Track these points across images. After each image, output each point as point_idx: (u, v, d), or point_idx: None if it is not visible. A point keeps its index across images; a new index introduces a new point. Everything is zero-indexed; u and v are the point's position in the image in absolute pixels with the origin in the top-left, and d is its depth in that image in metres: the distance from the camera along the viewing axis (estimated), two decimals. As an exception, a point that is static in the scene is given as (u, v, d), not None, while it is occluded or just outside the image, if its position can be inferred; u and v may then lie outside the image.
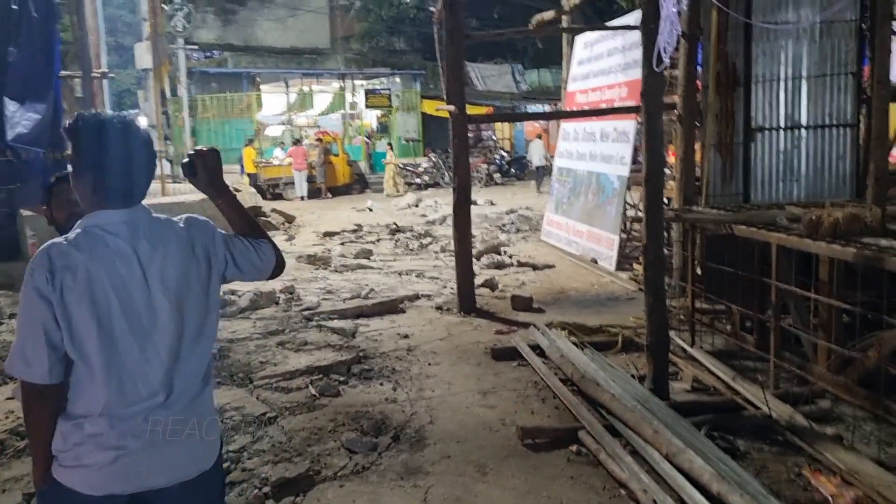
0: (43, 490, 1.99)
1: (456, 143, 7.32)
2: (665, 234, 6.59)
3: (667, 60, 4.62)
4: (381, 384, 5.39)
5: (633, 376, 5.14)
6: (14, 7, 10.09)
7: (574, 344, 5.87)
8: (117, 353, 1.93)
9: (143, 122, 17.65)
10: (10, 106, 9.89)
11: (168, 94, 24.41)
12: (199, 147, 2.18)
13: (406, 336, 6.62)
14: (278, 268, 2.23)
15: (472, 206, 16.56)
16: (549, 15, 8.90)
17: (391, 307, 7.57)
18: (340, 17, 34.55)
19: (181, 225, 2.08)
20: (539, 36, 18.07)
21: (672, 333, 5.58)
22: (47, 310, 1.87)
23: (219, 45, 32.35)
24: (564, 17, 11.59)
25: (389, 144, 23.58)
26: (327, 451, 4.25)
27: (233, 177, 22.66)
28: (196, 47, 26.22)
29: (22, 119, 9.95)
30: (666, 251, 5.84)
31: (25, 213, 9.30)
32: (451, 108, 7.17)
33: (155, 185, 12.43)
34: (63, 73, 10.88)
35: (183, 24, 22.95)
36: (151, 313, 1.97)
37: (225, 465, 4.05)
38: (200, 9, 31.72)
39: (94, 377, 1.93)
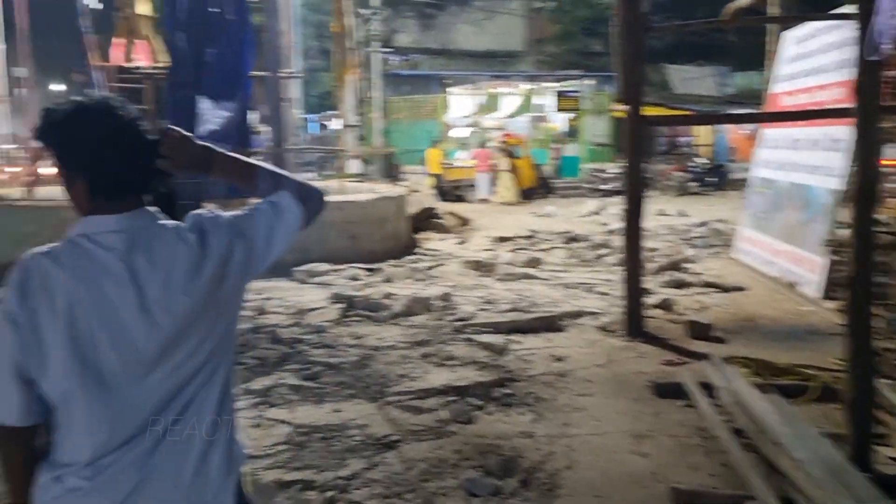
0: None
1: (630, 148, 6.57)
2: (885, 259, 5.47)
3: (887, 47, 3.66)
4: (522, 414, 4.83)
5: (826, 436, 4.18)
6: (213, 10, 10.62)
7: (756, 385, 4.95)
8: (106, 394, 1.55)
9: (338, 123, 18.28)
10: (204, 104, 10.41)
11: (362, 96, 25.31)
12: (168, 127, 1.72)
13: (560, 359, 5.99)
14: (311, 206, 1.79)
15: (661, 217, 15.52)
16: (745, 1, 7.82)
17: (550, 324, 6.96)
18: (535, 19, 34.21)
19: (188, 231, 1.64)
20: (731, 27, 16.34)
21: (882, 384, 4.52)
22: (17, 338, 1.51)
23: (416, 49, 33.22)
24: (770, 7, 10.30)
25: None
26: (443, 490, 3.76)
27: (417, 177, 23.01)
28: (392, 51, 26.96)
29: (214, 116, 10.45)
30: (883, 280, 4.80)
31: (208, 206, 9.69)
32: (625, 107, 6.44)
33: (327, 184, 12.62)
34: (253, 72, 11.32)
35: (379, 29, 23.60)
36: (150, 345, 1.57)
37: (329, 493, 3.70)
38: (401, 14, 32.68)
39: (75, 422, 1.56)
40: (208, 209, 1.72)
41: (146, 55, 11.74)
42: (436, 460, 4.10)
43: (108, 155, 1.58)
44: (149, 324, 1.57)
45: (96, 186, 1.59)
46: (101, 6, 11.45)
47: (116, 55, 12.28)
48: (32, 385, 1.54)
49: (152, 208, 1.65)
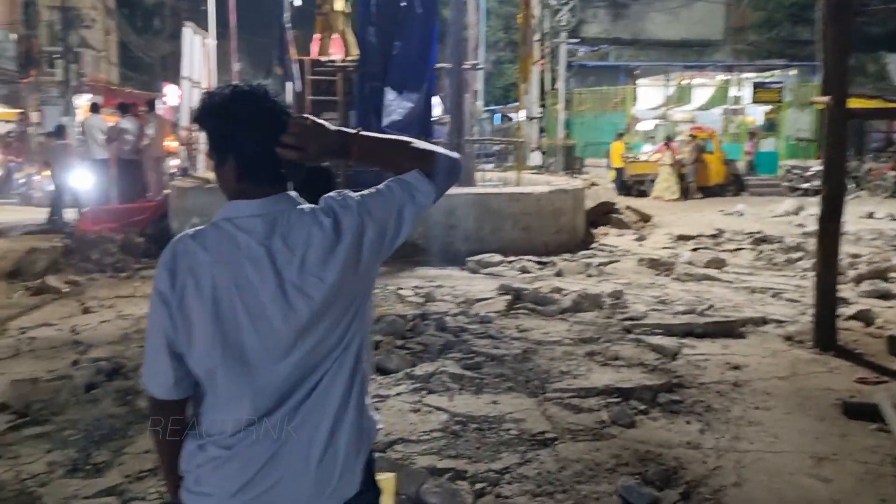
0: None
1: (830, 143, 5.98)
2: None
3: None
4: (688, 422, 4.55)
5: None
6: (402, 4, 10.95)
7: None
8: (247, 372, 1.61)
9: (521, 114, 18.26)
10: (389, 95, 10.78)
11: (546, 88, 25.12)
12: (301, 116, 1.71)
13: (737, 367, 5.59)
14: (444, 179, 1.74)
15: (867, 220, 14.10)
16: None
17: (728, 329, 6.52)
18: (736, 6, 32.25)
19: (323, 215, 1.66)
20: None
21: None
22: (168, 316, 1.60)
23: (605, 40, 32.47)
24: None
25: (667, 141, 20.71)
26: (596, 495, 3.62)
27: (598, 171, 22.51)
28: (579, 41, 26.50)
29: (398, 107, 10.80)
30: None
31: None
32: (826, 99, 5.86)
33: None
34: (439, 65, 11.56)
35: (567, 19, 23.27)
36: (287, 326, 1.61)
37: (479, 485, 3.68)
38: (591, 4, 32.05)
39: (220, 397, 1.64)
40: (339, 191, 1.72)
41: (339, 49, 12.34)
42: (591, 462, 3.96)
43: (253, 139, 1.63)
44: (286, 305, 1.61)
45: (242, 170, 1.65)
46: (300, 3, 12.16)
47: (314, 49, 13.01)
48: (181, 361, 1.63)
49: (292, 193, 1.69)
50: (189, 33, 13.21)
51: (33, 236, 12.25)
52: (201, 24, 15.12)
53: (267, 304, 1.60)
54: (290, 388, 1.64)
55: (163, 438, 1.72)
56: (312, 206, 1.69)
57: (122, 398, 4.74)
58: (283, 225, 1.63)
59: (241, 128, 1.63)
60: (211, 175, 12.15)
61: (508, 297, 7.45)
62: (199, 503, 1.66)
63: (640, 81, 27.16)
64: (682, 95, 26.37)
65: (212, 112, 1.66)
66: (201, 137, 13.05)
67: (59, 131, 14.48)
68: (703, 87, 26.60)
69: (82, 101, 30.70)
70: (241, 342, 1.60)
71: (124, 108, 13.72)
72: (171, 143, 14.20)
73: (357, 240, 1.65)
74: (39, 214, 13.98)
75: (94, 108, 14.35)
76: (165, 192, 12.51)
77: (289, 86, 11.69)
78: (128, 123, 13.17)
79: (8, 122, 27.05)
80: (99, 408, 4.61)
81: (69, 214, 13.09)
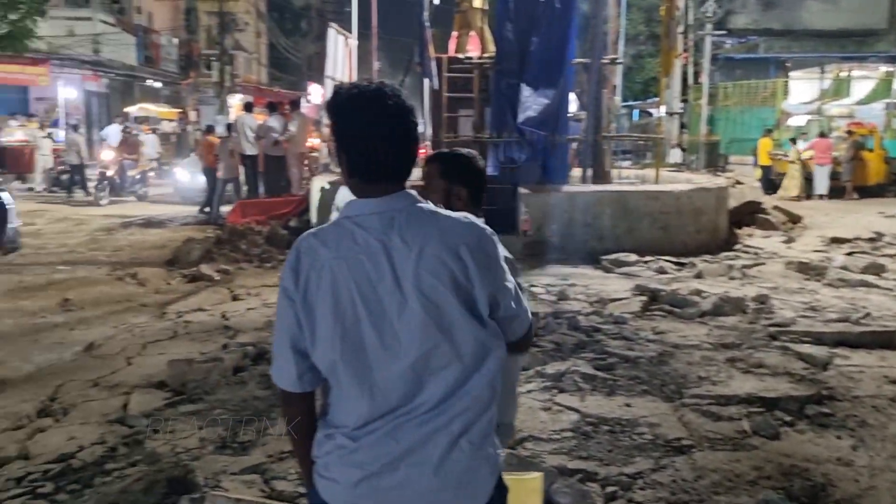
0: (309, 493, 1.83)
1: None
2: None
3: None
4: (839, 437, 4.25)
5: None
6: (542, 0, 10.87)
7: None
8: (366, 364, 1.65)
9: (661, 110, 17.74)
10: (525, 91, 10.73)
11: (689, 82, 24.22)
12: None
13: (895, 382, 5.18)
14: (519, 344, 1.86)
15: None
16: None
17: (888, 340, 6.03)
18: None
19: (447, 220, 1.69)
20: None
21: None
22: (292, 312, 1.67)
23: (754, 31, 30.89)
24: None
25: (793, 140, 19.06)
26: (735, 508, 3.46)
27: (743, 168, 21.44)
28: (725, 33, 25.35)
29: (533, 104, 10.73)
30: None
31: (523, 190, 10.00)
32: None
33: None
34: (576, 60, 11.39)
35: (713, 10, 22.31)
36: (404, 321, 1.64)
37: (610, 489, 3.60)
38: (741, -6, 30.61)
39: (343, 391, 1.69)
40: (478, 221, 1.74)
41: (476, 46, 12.42)
42: (730, 473, 3.78)
43: (369, 138, 1.67)
44: (402, 301, 1.63)
45: (354, 166, 1.70)
46: (439, 1, 12.33)
47: (451, 47, 13.18)
48: (305, 356, 1.69)
49: (412, 191, 1.72)
50: (333, 34, 13.71)
51: (189, 227, 13.16)
52: (344, 24, 15.68)
53: (384, 299, 1.63)
54: (412, 387, 1.66)
55: (293, 427, 1.79)
56: (434, 207, 1.71)
57: (266, 382, 4.99)
58: (402, 221, 1.66)
59: (359, 125, 1.67)
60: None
61: (644, 297, 7.25)
62: (327, 488, 1.72)
63: (791, 74, 25.59)
64: (840, 89, 24.62)
65: (335, 108, 1.71)
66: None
67: (210, 130, 15.52)
68: (864, 80, 24.73)
69: (235, 101, 32.64)
70: (360, 337, 1.64)
71: (272, 107, 14.44)
72: (313, 140, 14.80)
73: (473, 260, 1.67)
74: (186, 209, 14.93)
75: (248, 108, 15.20)
76: (307, 186, 13.07)
77: (426, 83, 11.90)
78: (274, 122, 13.85)
79: (170, 120, 29.16)
80: (245, 390, 4.89)
81: (223, 207, 13.95)
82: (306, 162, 14.17)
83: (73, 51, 24.02)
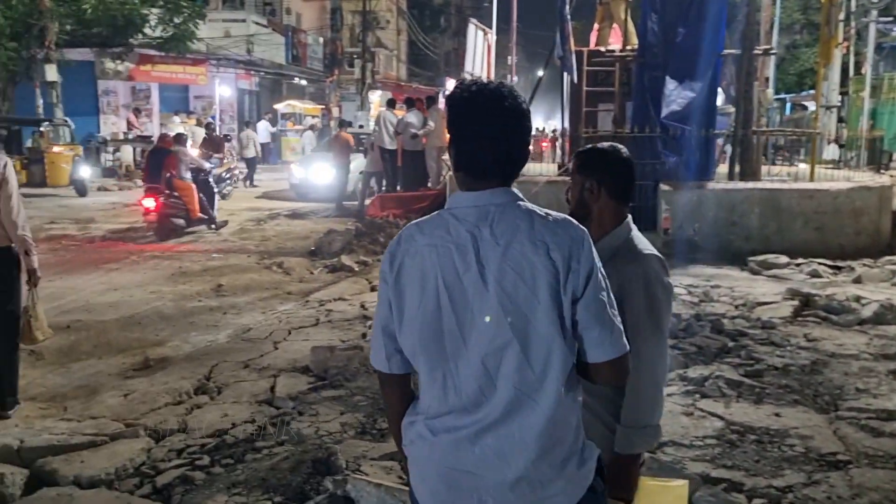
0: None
1: None
2: None
3: None
4: None
5: None
6: (688, -11, 10.45)
7: None
8: (442, 352, 1.65)
9: (817, 103, 16.61)
10: (670, 84, 10.37)
11: (849, 72, 22.59)
12: None
13: None
14: (601, 372, 1.67)
15: None
16: None
17: None
18: None
19: (542, 219, 1.64)
20: None
21: None
22: (385, 293, 1.71)
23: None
24: None
25: None
26: (898, 533, 3.19)
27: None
28: (892, 19, 23.40)
29: (678, 97, 10.35)
30: None
31: (664, 187, 9.67)
32: None
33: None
34: (725, 51, 10.88)
35: (881, -6, 20.66)
36: (482, 313, 1.62)
37: (758, 501, 3.42)
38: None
39: (423, 378, 1.70)
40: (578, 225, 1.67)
41: (618, 39, 12.12)
42: (892, 493, 3.50)
43: (475, 135, 1.67)
44: (483, 293, 1.61)
45: (461, 160, 1.70)
46: (580, -6, 12.15)
47: (592, 40, 12.93)
48: (393, 338, 1.72)
49: (515, 189, 1.69)
50: (473, 29, 13.81)
51: (330, 220, 13.68)
52: (483, 20, 15.76)
53: (468, 289, 1.62)
54: (483, 384, 1.63)
55: (389, 407, 1.84)
56: (531, 207, 1.67)
57: (403, 371, 5.10)
58: (495, 216, 1.64)
59: (472, 122, 1.67)
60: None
61: (796, 302, 6.84)
62: (412, 475, 1.77)
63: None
64: None
65: (452, 102, 1.71)
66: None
67: (344, 126, 16.11)
68: None
69: (375, 97, 33.62)
70: (440, 325, 1.64)
71: (410, 103, 14.74)
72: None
73: (564, 263, 1.61)
74: (311, 205, 15.48)
75: (390, 104, 15.62)
76: (444, 180, 13.25)
77: (565, 77, 11.74)
78: (412, 117, 14.13)
79: (313, 116, 30.43)
80: (383, 378, 5.01)
81: (353, 201, 14.45)
82: (444, 156, 14.36)
83: (228, 51, 25.53)
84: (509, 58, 30.14)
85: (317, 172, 16.32)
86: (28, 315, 4.72)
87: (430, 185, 13.98)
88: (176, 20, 18.82)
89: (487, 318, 1.61)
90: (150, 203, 11.32)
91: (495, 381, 1.63)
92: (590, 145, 2.40)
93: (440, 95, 22.40)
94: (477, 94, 1.68)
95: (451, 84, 38.47)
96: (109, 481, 3.65)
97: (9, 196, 4.46)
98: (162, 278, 8.85)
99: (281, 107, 30.60)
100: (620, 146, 2.33)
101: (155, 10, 18.56)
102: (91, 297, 7.81)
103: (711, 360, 5.34)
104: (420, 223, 1.71)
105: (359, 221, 12.38)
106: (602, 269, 1.66)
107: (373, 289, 8.21)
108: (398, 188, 14.34)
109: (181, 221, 11.75)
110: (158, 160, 11.96)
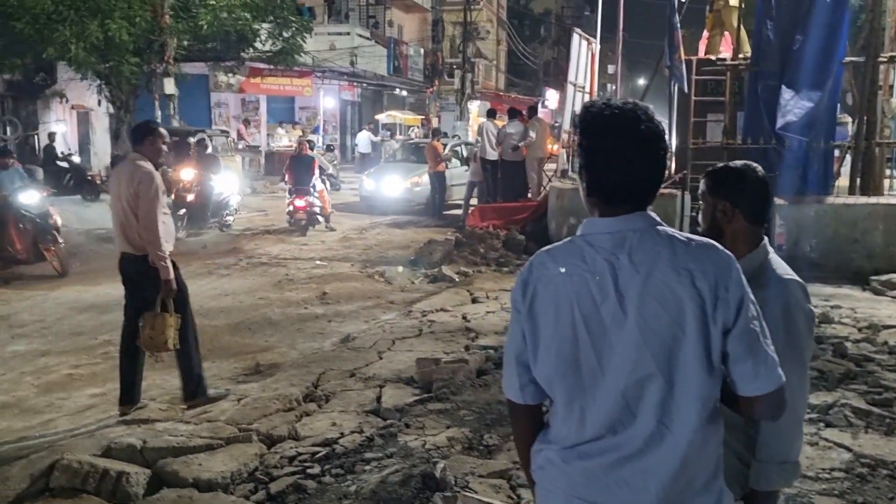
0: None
1: None
2: None
3: None
4: None
5: None
6: (808, -7, 10.00)
7: None
8: (579, 383, 1.60)
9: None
10: (786, 94, 9.92)
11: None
12: None
13: None
14: (766, 403, 1.58)
15: None
16: None
17: None
18: None
19: (684, 245, 1.56)
20: None
21: None
22: (517, 323, 1.67)
23: None
24: None
25: None
26: None
27: None
28: None
29: (794, 107, 9.90)
30: None
31: (779, 201, 9.25)
32: None
33: None
34: (846, 59, 10.34)
35: None
36: (621, 344, 1.55)
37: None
38: None
39: (558, 407, 1.66)
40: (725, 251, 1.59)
41: (728, 47, 11.70)
42: None
43: (616, 160, 1.60)
44: (622, 323, 1.55)
45: (595, 185, 1.63)
46: (684, 1, 11.77)
47: (701, 48, 12.55)
48: (527, 368, 1.67)
49: (652, 213, 1.62)
50: (577, 39, 13.65)
51: (430, 229, 13.79)
52: (584, 29, 15.58)
53: (606, 320, 1.57)
54: (622, 415, 1.58)
55: (517, 436, 1.80)
56: (671, 231, 1.60)
57: (509, 387, 5.04)
58: (633, 242, 1.58)
59: (607, 146, 1.61)
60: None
61: (927, 326, 6.39)
62: (538, 495, 1.74)
63: None
64: None
65: (584, 124, 1.65)
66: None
67: (436, 135, 16.23)
68: None
69: (473, 107, 33.78)
70: (577, 356, 1.59)
71: (513, 114, 14.70)
72: (551, 146, 14.85)
73: (710, 293, 1.54)
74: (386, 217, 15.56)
75: (491, 114, 15.63)
76: (545, 192, 13.12)
77: (672, 87, 11.42)
78: (513, 128, 14.08)
79: (411, 127, 30.85)
80: (489, 393, 4.97)
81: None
82: (545, 167, 14.26)
83: (332, 63, 26.21)
84: (609, 66, 29.71)
85: (388, 185, 16.23)
86: (158, 321, 4.89)
87: (530, 196, 13.88)
88: (285, 34, 19.40)
89: (626, 349, 1.56)
90: (300, 202, 13.28)
91: (635, 413, 1.57)
92: (721, 164, 2.29)
93: (540, 105, 22.31)
94: (612, 117, 1.62)
95: (550, 94, 38.26)
96: (225, 485, 3.75)
97: (144, 210, 4.71)
98: (269, 285, 9.12)
99: (382, 117, 31.18)
100: (755, 165, 2.22)
101: (265, 25, 19.19)
102: (204, 302, 8.12)
103: (835, 386, 5.03)
104: (552, 250, 1.67)
105: (459, 232, 12.42)
106: (753, 297, 1.56)
107: (474, 300, 8.20)
108: (498, 199, 14.31)
109: (321, 218, 13.71)
110: (300, 164, 13.76)
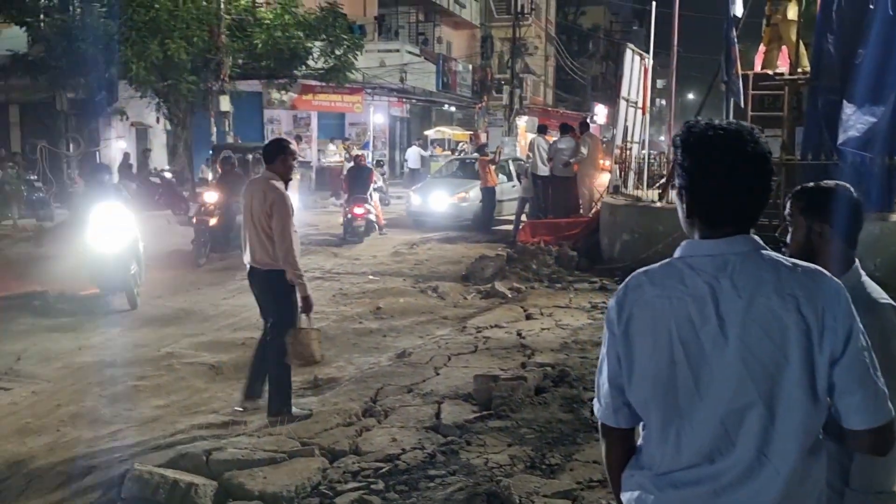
0: None
1: None
2: None
3: None
4: None
5: None
6: (870, 6, 9.80)
7: None
8: (676, 408, 1.56)
9: None
10: (848, 109, 9.72)
11: None
12: None
13: None
14: (874, 437, 1.52)
15: None
16: None
17: None
18: None
19: (789, 270, 1.53)
20: None
21: None
22: (612, 345, 1.64)
23: None
24: None
25: None
26: None
27: None
28: None
29: (857, 122, 9.69)
30: None
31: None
32: None
33: None
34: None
35: None
36: (721, 370, 1.52)
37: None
38: None
39: (652, 432, 1.62)
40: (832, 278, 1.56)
41: (786, 61, 11.51)
42: None
43: (721, 182, 1.57)
44: (723, 348, 1.52)
45: (697, 207, 1.61)
46: (742, 14, 11.56)
47: (758, 63, 12.36)
48: (621, 391, 1.64)
49: (755, 236, 1.59)
50: (630, 54, 13.57)
51: (480, 245, 13.79)
52: (634, 44, 15.50)
53: (705, 344, 1.53)
54: (720, 443, 1.54)
55: (608, 460, 1.76)
56: (775, 255, 1.57)
57: (568, 405, 5.01)
58: (735, 266, 1.54)
59: (713, 167, 1.57)
60: (639, 193, 12.30)
61: None
62: None
63: None
64: None
65: (686, 145, 1.61)
66: (632, 156, 13.31)
67: (483, 150, 16.27)
68: None
69: (521, 123, 33.79)
70: (674, 380, 1.56)
71: (564, 129, 14.67)
72: (603, 162, 14.76)
73: (817, 320, 1.50)
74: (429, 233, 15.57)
75: (542, 130, 15.63)
76: (596, 208, 13.03)
77: (728, 102, 11.27)
78: (564, 143, 14.04)
79: (460, 142, 30.96)
80: (548, 411, 4.94)
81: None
82: (596, 183, 14.16)
83: (383, 80, 26.52)
84: (658, 81, 29.33)
85: (435, 200, 16.21)
86: (302, 335, 5.08)
87: (582, 212, 13.80)
88: (337, 52, 19.74)
89: (726, 375, 1.53)
90: (359, 209, 13.98)
91: (734, 441, 1.53)
92: (811, 184, 2.24)
93: (589, 120, 22.20)
94: (716, 137, 1.58)
95: (599, 109, 38.04)
96: (290, 499, 3.79)
97: (279, 229, 4.88)
98: (324, 299, 9.21)
99: (431, 133, 31.40)
100: (847, 185, 2.18)
101: (318, 43, 19.55)
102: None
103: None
104: (649, 272, 1.64)
105: (509, 247, 12.40)
106: (863, 327, 1.52)
107: (528, 317, 8.17)
108: (548, 214, 14.26)
109: (376, 225, 14.57)
110: (358, 175, 14.68)
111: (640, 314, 1.60)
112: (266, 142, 5.88)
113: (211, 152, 16.35)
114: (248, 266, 5.20)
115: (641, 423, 1.68)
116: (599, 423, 1.75)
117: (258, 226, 4.94)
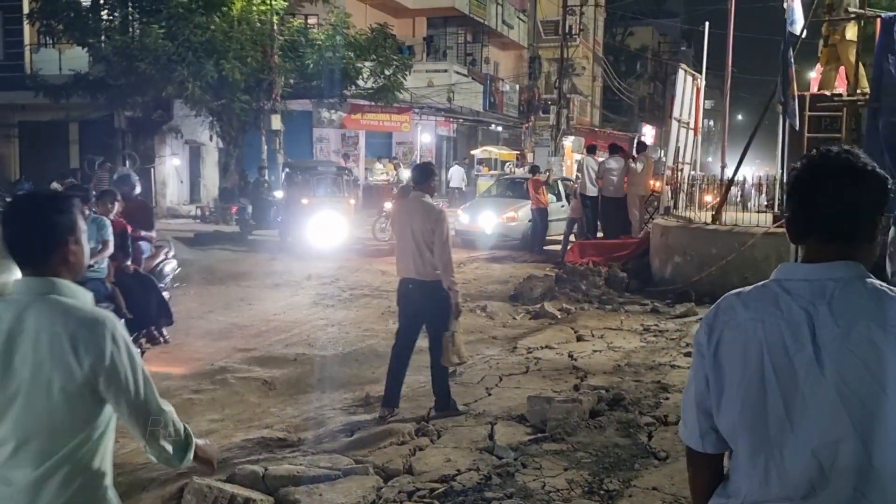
0: None
1: None
2: None
3: None
4: None
5: None
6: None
7: None
8: (765, 436, 1.50)
9: None
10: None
11: None
12: None
13: None
14: None
15: None
16: None
17: None
18: None
19: (892, 300, 1.47)
20: None
21: None
22: (700, 367, 1.59)
23: None
24: None
25: None
26: None
27: None
28: None
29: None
30: None
31: (903, 242, 8.76)
32: None
33: None
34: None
35: None
36: (815, 400, 1.46)
37: None
38: None
39: (740, 460, 1.56)
40: None
41: (843, 82, 11.28)
42: None
43: (826, 206, 1.52)
44: (818, 378, 1.46)
45: (801, 230, 1.57)
46: (799, 33, 11.37)
47: (814, 83, 12.14)
48: (708, 415, 1.60)
49: (859, 263, 1.53)
50: (682, 74, 13.46)
51: (528, 264, 13.72)
52: (682, 63, 15.38)
53: (799, 371, 1.48)
54: (813, 477, 1.47)
55: (691, 485, 1.72)
56: (880, 283, 1.50)
57: (625, 430, 4.92)
58: (834, 292, 1.49)
59: (822, 190, 1.53)
60: (692, 214, 12.09)
61: None
62: None
63: None
64: None
65: (802, 168, 1.58)
66: (684, 177, 13.13)
67: (534, 171, 16.21)
68: None
69: (567, 143, 33.65)
70: (765, 406, 1.50)
71: (614, 149, 14.56)
72: (655, 182, 14.60)
73: None
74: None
75: (591, 150, 15.53)
76: (646, 229, 12.87)
77: (784, 123, 11.07)
78: (613, 163, 13.93)
79: (506, 162, 30.97)
80: (604, 435, 4.86)
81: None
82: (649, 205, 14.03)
83: (430, 100, 26.70)
84: (707, 102, 28.94)
85: (484, 219, 16.14)
86: (456, 338, 5.57)
87: (632, 233, 13.65)
88: (386, 72, 19.98)
89: (820, 406, 1.47)
90: None
91: (828, 475, 1.47)
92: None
93: (636, 141, 22.04)
94: (834, 162, 1.54)
95: (647, 129, 37.71)
96: (346, 517, 3.78)
97: (440, 244, 5.39)
98: (374, 316, 9.25)
99: (477, 152, 31.45)
100: None
101: (368, 64, 19.81)
102: (311, 332, 8.30)
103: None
104: (742, 294, 1.60)
105: (558, 267, 12.31)
106: None
107: (579, 338, 8.07)
108: (598, 235, 14.14)
109: None
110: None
111: (731, 337, 1.56)
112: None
113: (286, 170, 16.80)
114: (401, 278, 5.66)
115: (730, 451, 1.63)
116: (687, 448, 1.70)
117: (420, 240, 5.40)
